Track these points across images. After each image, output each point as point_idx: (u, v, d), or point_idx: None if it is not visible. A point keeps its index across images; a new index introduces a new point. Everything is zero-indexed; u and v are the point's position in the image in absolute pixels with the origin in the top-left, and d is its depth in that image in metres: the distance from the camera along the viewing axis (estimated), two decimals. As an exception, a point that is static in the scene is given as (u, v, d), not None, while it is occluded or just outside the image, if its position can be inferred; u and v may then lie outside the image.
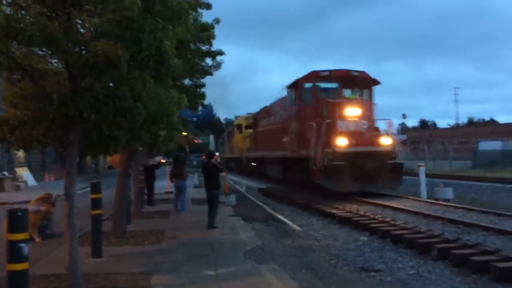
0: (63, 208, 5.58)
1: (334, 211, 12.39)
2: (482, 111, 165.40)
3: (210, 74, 13.07)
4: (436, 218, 10.66)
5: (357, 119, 15.77)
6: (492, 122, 73.48)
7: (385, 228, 9.40)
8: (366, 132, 15.92)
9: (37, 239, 8.63)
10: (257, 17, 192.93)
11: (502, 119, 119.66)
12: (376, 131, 16.45)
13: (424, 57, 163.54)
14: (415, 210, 11.86)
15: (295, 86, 18.02)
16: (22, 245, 3.80)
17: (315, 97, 17.20)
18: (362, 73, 17.38)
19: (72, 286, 5.39)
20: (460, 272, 6.58)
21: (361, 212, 11.71)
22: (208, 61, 13.02)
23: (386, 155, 15.26)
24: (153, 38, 5.03)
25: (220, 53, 12.66)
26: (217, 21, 11.83)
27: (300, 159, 16.81)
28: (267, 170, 23.88)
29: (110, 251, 7.63)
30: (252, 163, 28.55)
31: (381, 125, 16.98)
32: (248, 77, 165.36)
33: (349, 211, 12.29)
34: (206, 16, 11.79)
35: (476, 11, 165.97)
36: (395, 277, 6.53)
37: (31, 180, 25.18)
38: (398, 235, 8.71)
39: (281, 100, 20.48)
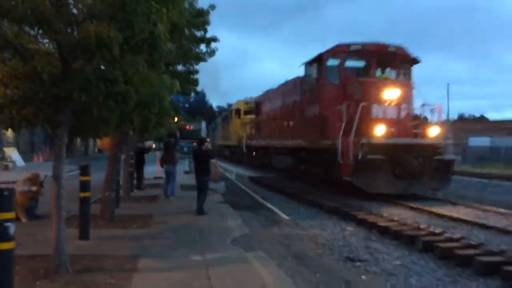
0: (51, 189, 5.56)
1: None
2: (472, 108, 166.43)
3: (204, 60, 12.97)
4: (422, 211, 10.78)
5: (396, 103, 13.08)
6: (482, 118, 74.08)
7: (372, 220, 9.50)
8: (406, 119, 13.50)
9: (24, 220, 8.60)
10: (250, 3, 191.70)
11: (491, 116, 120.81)
12: (417, 119, 13.89)
13: (416, 51, 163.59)
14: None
15: (318, 61, 14.55)
16: (8, 224, 3.79)
17: (343, 75, 14.09)
18: (400, 49, 14.24)
19: (58, 267, 5.39)
20: (445, 265, 6.68)
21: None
22: (202, 47, 12.92)
23: (433, 149, 12.75)
24: (147, 21, 4.97)
25: (215, 39, 12.56)
26: (212, 7, 11.71)
27: (320, 150, 14.10)
28: (273, 160, 20.56)
29: (97, 233, 7.63)
30: (253, 152, 25.53)
31: (421, 111, 14.19)
32: (240, 65, 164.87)
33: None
34: (201, 2, 11.70)
35: (468, 6, 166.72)
36: (380, 267, 6.62)
37: (19, 161, 25.03)
38: (384, 226, 8.81)
39: (293, 82, 17.63)
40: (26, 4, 4.52)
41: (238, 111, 31.99)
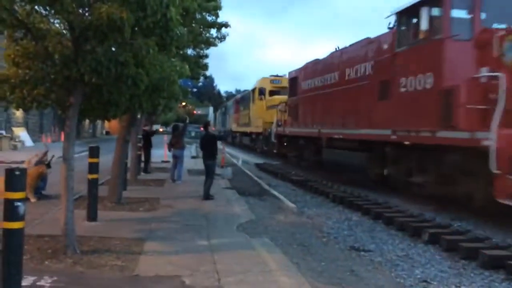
0: (61, 170, 5.59)
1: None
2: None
3: (215, 45, 12.93)
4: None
5: None
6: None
7: (378, 210, 9.48)
8: None
9: (33, 199, 8.68)
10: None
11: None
12: None
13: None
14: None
15: (434, 3, 9.43)
16: (19, 204, 3.82)
17: (478, 25, 9.12)
18: None
19: (66, 247, 5.45)
20: (450, 257, 6.68)
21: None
22: (213, 32, 12.87)
23: None
24: (159, 4, 4.94)
25: (226, 25, 12.50)
26: (224, -9, 11.61)
27: (433, 147, 9.30)
28: (326, 156, 15.09)
29: (105, 215, 7.70)
30: (286, 143, 19.83)
31: None
32: (247, 50, 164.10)
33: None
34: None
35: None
36: (385, 258, 6.63)
37: (28, 141, 25.22)
38: (390, 217, 8.79)
39: (365, 45, 12.69)
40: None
41: (262, 91, 26.12)
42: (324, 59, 15.85)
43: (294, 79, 18.89)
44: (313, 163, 16.87)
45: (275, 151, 21.31)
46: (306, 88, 17.09)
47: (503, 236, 7.68)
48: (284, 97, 21.18)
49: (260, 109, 25.27)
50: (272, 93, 25.34)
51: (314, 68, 16.60)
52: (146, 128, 15.62)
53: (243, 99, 33.09)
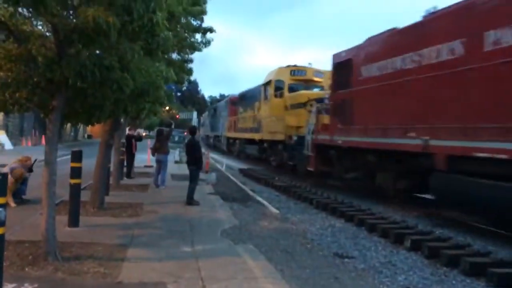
0: (43, 175, 5.49)
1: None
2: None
3: (199, 50, 12.90)
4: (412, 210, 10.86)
5: None
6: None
7: (361, 216, 9.54)
8: None
9: (12, 204, 8.51)
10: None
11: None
12: None
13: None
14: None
15: None
16: (0, 209, 3.74)
17: None
18: None
19: (47, 253, 5.35)
20: (432, 264, 6.75)
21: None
22: (198, 37, 12.85)
23: None
24: (146, 8, 4.91)
25: (211, 30, 12.49)
26: (209, -5, 11.63)
27: None
28: (453, 188, 8.35)
29: (87, 221, 7.59)
30: (336, 158, 13.51)
31: None
32: (231, 55, 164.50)
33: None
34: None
35: None
36: (368, 264, 6.66)
37: (7, 144, 24.72)
38: (373, 224, 8.86)
39: None
40: (24, -14, 4.43)
41: (279, 85, 19.28)
42: (417, 25, 9.84)
43: (344, 65, 12.75)
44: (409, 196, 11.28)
45: (310, 168, 14.52)
46: (375, 75, 11.19)
47: (483, 243, 7.81)
48: (316, 93, 17.10)
49: (277, 110, 18.72)
50: (291, 89, 18.93)
51: (391, 41, 10.82)
52: (132, 132, 15.47)
53: (244, 98, 26.46)
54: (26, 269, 5.03)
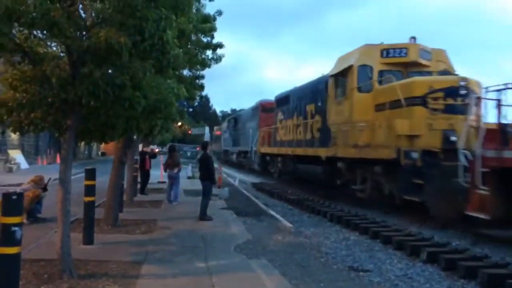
0: (57, 193, 5.56)
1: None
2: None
3: (210, 66, 13.05)
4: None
5: None
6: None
7: (376, 228, 9.44)
8: None
9: (25, 222, 8.60)
10: (252, 10, 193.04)
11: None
12: None
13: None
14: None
15: None
16: (16, 228, 3.79)
17: None
18: None
19: (62, 272, 5.39)
20: (449, 276, 6.64)
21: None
22: (209, 53, 13.01)
23: None
24: (156, 28, 5.01)
25: (221, 46, 12.64)
26: (219, 13, 11.79)
27: None
28: None
29: (101, 238, 7.63)
30: None
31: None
32: (242, 71, 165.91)
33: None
34: (208, 7, 11.78)
35: (466, 15, 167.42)
36: (384, 278, 6.58)
37: (23, 163, 25.07)
38: (388, 236, 8.76)
39: None
40: (38, 9, 4.55)
41: (366, 74, 12.95)
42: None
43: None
44: None
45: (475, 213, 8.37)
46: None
47: (502, 254, 7.66)
48: (443, 78, 11.48)
49: (364, 110, 12.55)
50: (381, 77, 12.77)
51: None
52: (146, 149, 15.60)
53: (285, 102, 20.08)
54: (42, 287, 5.06)
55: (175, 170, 12.84)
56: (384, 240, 8.72)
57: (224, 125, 43.96)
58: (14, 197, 3.82)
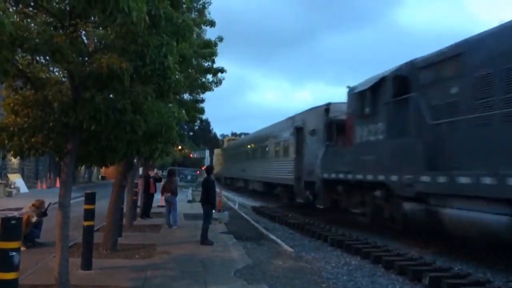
0: (56, 218, 5.54)
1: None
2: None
3: (210, 90, 13.17)
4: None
5: None
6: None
7: (378, 253, 9.35)
8: None
9: (22, 247, 8.52)
10: (248, 34, 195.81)
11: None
12: None
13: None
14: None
15: None
16: (14, 253, 3.76)
17: None
18: None
19: (60, 297, 5.32)
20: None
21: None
22: (209, 77, 13.14)
23: None
24: (158, 53, 5.08)
25: (222, 70, 12.78)
26: (220, 39, 11.95)
27: None
28: None
29: (100, 263, 7.55)
30: None
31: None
32: (240, 94, 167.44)
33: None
34: (209, 33, 11.95)
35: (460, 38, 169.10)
36: (386, 303, 6.49)
37: (23, 187, 24.98)
38: (390, 261, 8.67)
39: None
40: (41, 35, 4.62)
41: None
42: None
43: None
44: None
45: None
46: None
47: (504, 278, 7.57)
48: None
49: None
50: None
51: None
52: (152, 172, 15.57)
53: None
54: (39, 313, 4.99)
55: (169, 194, 12.85)
56: (386, 265, 8.62)
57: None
58: (13, 221, 3.80)
